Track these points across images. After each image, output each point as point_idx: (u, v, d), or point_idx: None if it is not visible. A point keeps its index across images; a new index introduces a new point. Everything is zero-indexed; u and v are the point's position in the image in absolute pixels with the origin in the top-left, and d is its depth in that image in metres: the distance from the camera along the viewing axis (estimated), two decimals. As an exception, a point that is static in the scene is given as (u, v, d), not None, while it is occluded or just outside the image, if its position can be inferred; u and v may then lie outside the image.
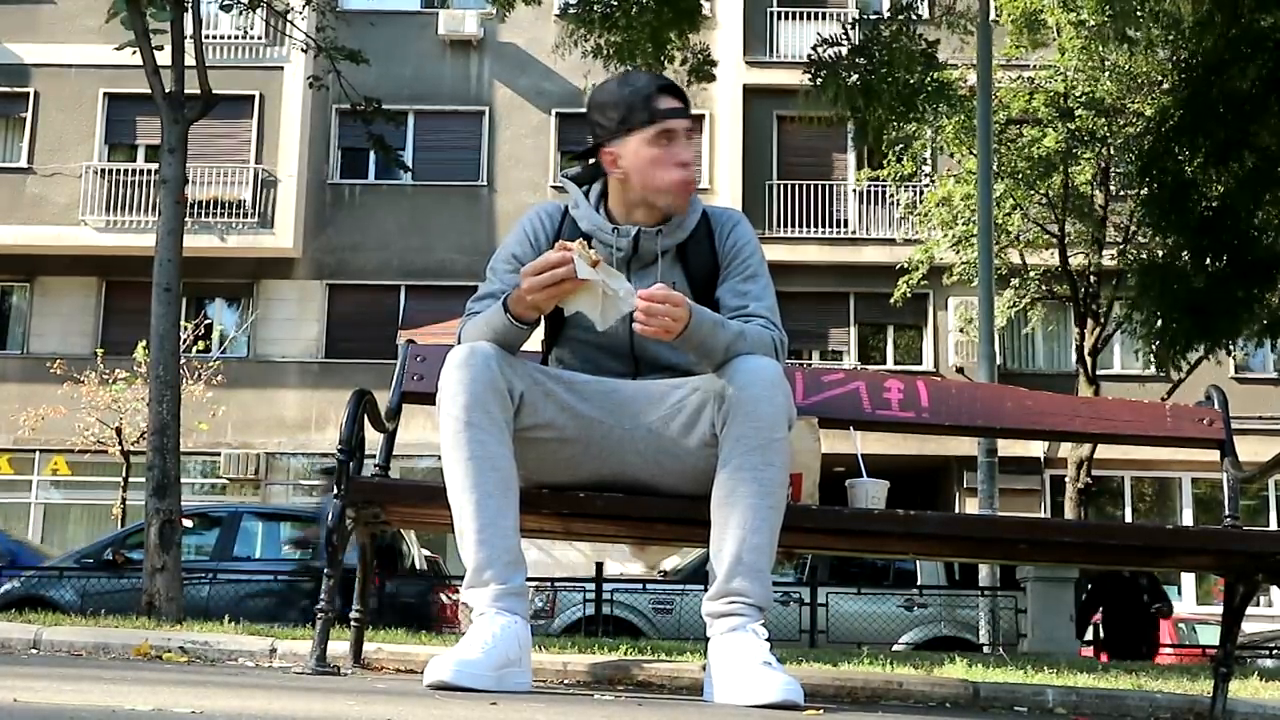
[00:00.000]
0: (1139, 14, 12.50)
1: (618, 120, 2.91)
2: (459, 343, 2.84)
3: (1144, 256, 15.88)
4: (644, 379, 2.94)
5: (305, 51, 12.00)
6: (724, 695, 2.59)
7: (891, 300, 19.37)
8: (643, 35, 11.14)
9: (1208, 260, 12.95)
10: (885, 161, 17.18)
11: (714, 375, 2.81)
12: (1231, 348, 14.06)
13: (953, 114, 16.60)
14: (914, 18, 11.70)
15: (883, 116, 11.59)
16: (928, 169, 19.38)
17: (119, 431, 18.65)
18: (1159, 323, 13.66)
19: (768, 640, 2.64)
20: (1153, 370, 21.53)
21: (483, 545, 2.64)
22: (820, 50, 11.66)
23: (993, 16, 14.95)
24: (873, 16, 21.46)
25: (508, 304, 2.77)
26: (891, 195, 19.72)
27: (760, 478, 2.68)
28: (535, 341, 3.06)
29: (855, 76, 11.35)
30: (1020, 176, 17.51)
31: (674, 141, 2.91)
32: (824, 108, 11.96)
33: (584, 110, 3.05)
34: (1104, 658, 11.81)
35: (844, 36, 11.81)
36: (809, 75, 11.52)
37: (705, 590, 2.73)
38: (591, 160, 3.03)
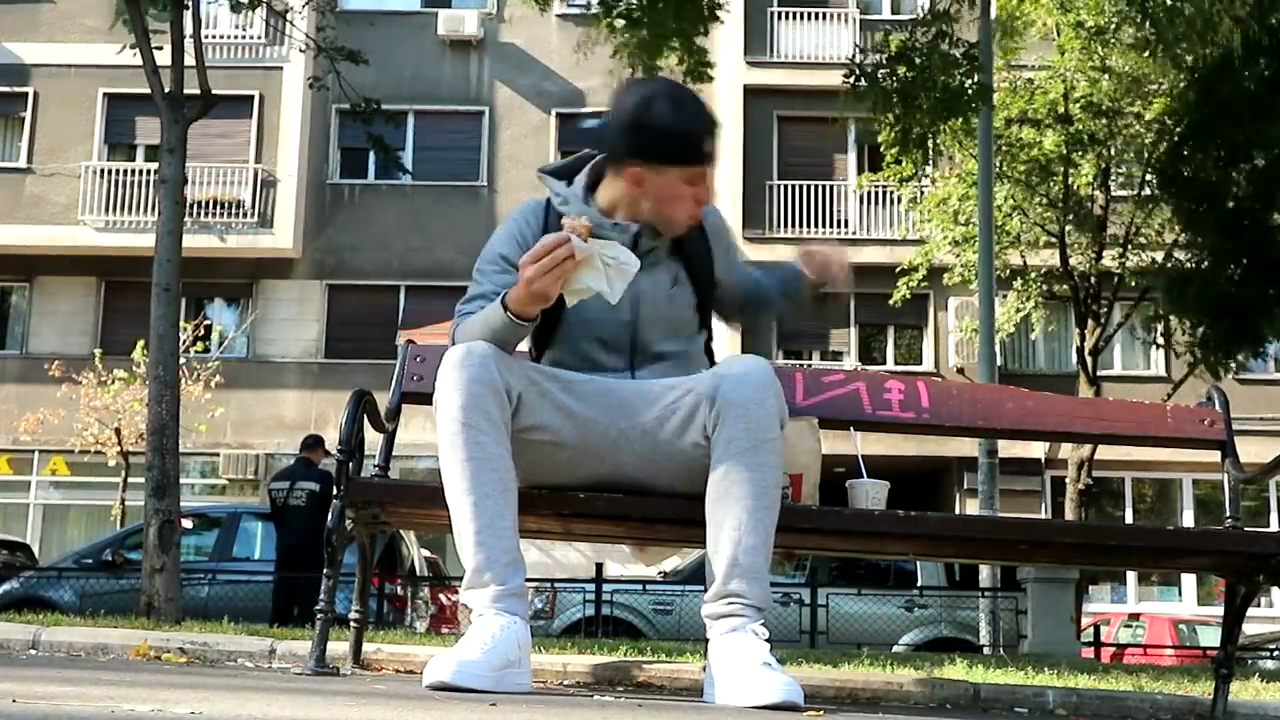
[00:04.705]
0: (1178, 30, 12.37)
1: (667, 152, 2.86)
2: (453, 345, 2.83)
3: (1161, 262, 15.83)
4: (640, 371, 2.95)
5: (304, 51, 12.00)
6: (724, 696, 2.59)
7: (891, 301, 19.35)
8: (665, 33, 11.01)
9: (1232, 263, 12.96)
10: (885, 164, 17.17)
11: (707, 376, 2.81)
12: (1267, 350, 14.04)
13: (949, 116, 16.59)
14: (952, 19, 11.49)
15: (925, 123, 11.41)
16: (928, 169, 19.35)
17: (118, 432, 18.65)
18: (1200, 331, 13.60)
19: (768, 641, 2.63)
20: (1153, 370, 21.58)
21: (481, 546, 2.64)
22: (860, 58, 11.51)
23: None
24: (877, 17, 21.46)
25: (506, 302, 2.75)
26: (894, 188, 19.69)
27: (754, 479, 2.68)
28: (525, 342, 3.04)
29: (895, 84, 11.18)
30: (1019, 179, 17.49)
31: (699, 183, 2.92)
32: (861, 110, 11.81)
33: (612, 110, 2.92)
34: None
35: (883, 43, 11.65)
36: (850, 81, 11.35)
37: (705, 591, 2.73)
38: (573, 156, 3.05)
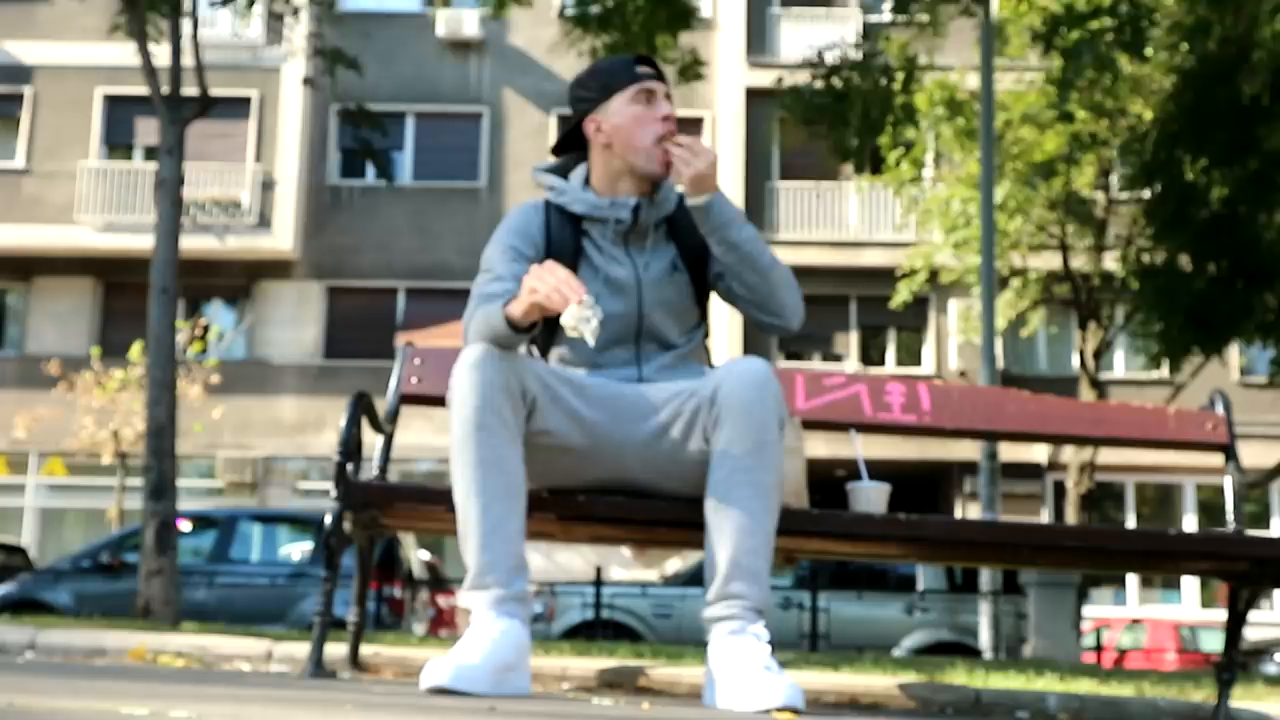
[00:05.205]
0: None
1: (599, 87, 2.96)
2: (465, 338, 2.81)
3: (1146, 261, 15.86)
4: (646, 365, 2.94)
5: (302, 54, 11.98)
6: (724, 700, 2.57)
7: (893, 305, 19.31)
8: (639, 36, 11.18)
9: (1210, 265, 12.95)
10: (884, 167, 17.15)
11: (708, 379, 2.79)
12: (1229, 349, 14.10)
13: (950, 118, 16.58)
14: (888, 37, 12.30)
15: (852, 134, 11.98)
16: (928, 172, 19.33)
17: (115, 434, 18.62)
18: (1159, 326, 13.66)
19: (769, 643, 2.61)
20: (1156, 374, 21.56)
21: (485, 549, 2.62)
22: (793, 70, 12.19)
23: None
24: (879, 18, 21.49)
25: (506, 312, 2.72)
26: (895, 191, 19.69)
27: (753, 480, 2.67)
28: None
29: (822, 100, 11.84)
30: (1020, 180, 17.45)
31: (654, 101, 2.94)
32: (796, 116, 12.48)
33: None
34: None
35: (823, 56, 12.24)
36: (791, 86, 12.04)
37: (705, 594, 2.71)
38: (562, 153, 3.07)
